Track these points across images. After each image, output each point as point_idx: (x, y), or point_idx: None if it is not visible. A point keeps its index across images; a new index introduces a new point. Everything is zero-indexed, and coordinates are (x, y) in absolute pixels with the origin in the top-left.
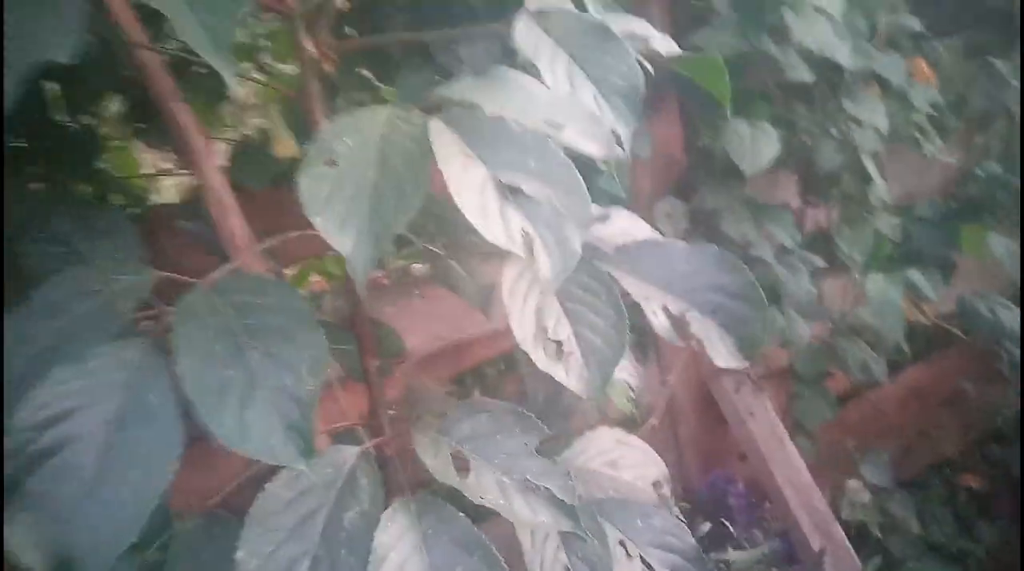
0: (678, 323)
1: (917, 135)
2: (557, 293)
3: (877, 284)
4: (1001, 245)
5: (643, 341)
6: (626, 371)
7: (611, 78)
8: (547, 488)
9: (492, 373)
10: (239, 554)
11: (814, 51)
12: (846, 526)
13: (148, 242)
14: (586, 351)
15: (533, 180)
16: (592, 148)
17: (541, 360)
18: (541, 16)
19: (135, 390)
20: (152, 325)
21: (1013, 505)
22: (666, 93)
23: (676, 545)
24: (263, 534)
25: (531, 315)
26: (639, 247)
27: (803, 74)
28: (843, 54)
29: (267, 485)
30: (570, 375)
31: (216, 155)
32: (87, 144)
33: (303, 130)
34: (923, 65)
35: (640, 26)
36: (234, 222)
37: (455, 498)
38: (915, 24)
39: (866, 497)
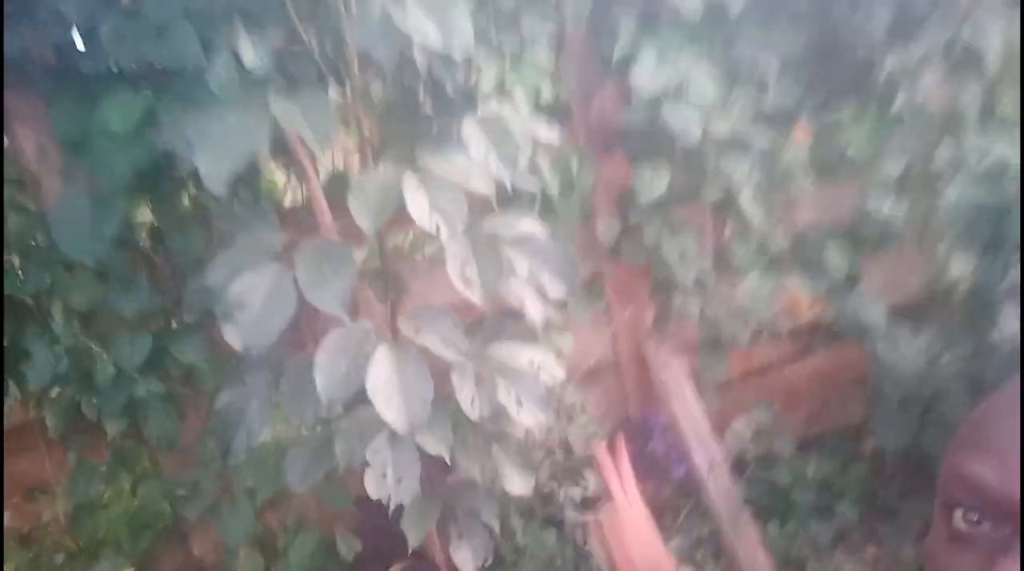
0: (533, 275)
1: (791, 180)
2: (474, 254)
3: (752, 281)
4: (837, 258)
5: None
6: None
7: (506, 152)
8: (455, 343)
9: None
10: (316, 360)
11: (675, 129)
12: (728, 452)
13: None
14: (483, 284)
15: (446, 203)
16: (484, 189)
17: (459, 286)
18: (481, 119)
19: (278, 283)
20: (288, 257)
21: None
22: (615, 148)
23: (539, 395)
24: (327, 354)
25: (458, 266)
26: (526, 237)
27: (690, 140)
28: (696, 130)
29: (330, 332)
30: (473, 295)
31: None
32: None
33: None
34: (801, 129)
35: (532, 126)
36: (325, 216)
37: None
38: (786, 103)
39: (748, 433)
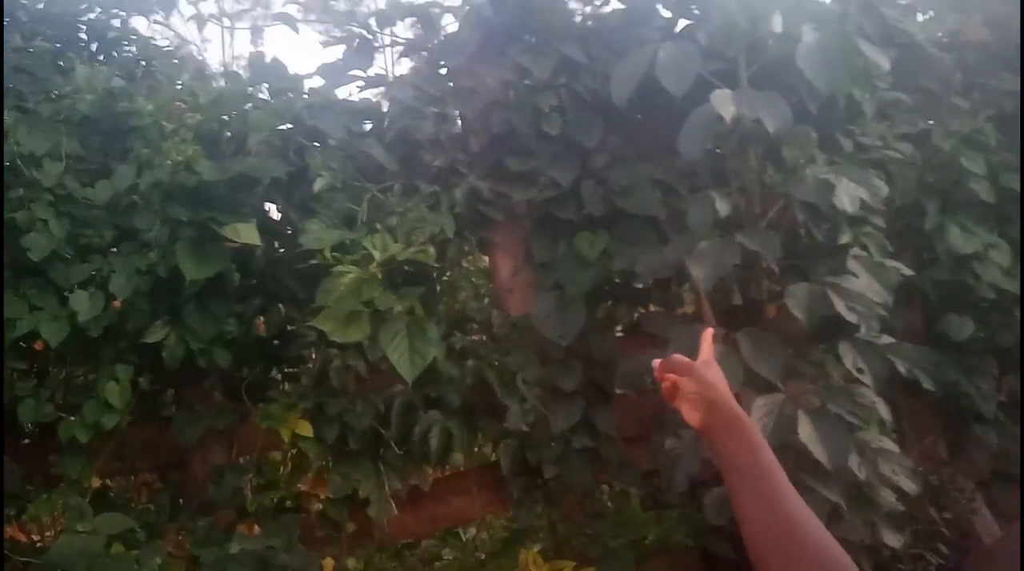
0: None
1: None
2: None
3: None
4: None
5: None
6: None
7: (884, 282)
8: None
9: None
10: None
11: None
12: None
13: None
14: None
15: (860, 307)
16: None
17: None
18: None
19: (726, 357)
20: (730, 339)
21: None
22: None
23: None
24: (757, 413)
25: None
26: None
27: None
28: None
29: (760, 398)
30: None
31: None
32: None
33: None
34: None
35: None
36: (708, 316)
37: None
38: None
39: None
